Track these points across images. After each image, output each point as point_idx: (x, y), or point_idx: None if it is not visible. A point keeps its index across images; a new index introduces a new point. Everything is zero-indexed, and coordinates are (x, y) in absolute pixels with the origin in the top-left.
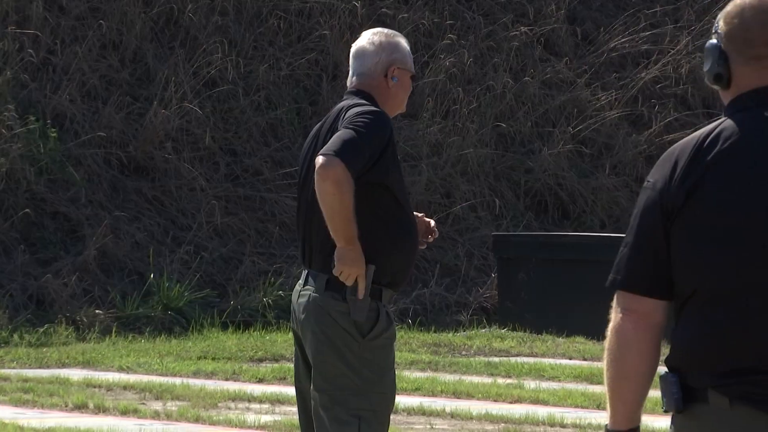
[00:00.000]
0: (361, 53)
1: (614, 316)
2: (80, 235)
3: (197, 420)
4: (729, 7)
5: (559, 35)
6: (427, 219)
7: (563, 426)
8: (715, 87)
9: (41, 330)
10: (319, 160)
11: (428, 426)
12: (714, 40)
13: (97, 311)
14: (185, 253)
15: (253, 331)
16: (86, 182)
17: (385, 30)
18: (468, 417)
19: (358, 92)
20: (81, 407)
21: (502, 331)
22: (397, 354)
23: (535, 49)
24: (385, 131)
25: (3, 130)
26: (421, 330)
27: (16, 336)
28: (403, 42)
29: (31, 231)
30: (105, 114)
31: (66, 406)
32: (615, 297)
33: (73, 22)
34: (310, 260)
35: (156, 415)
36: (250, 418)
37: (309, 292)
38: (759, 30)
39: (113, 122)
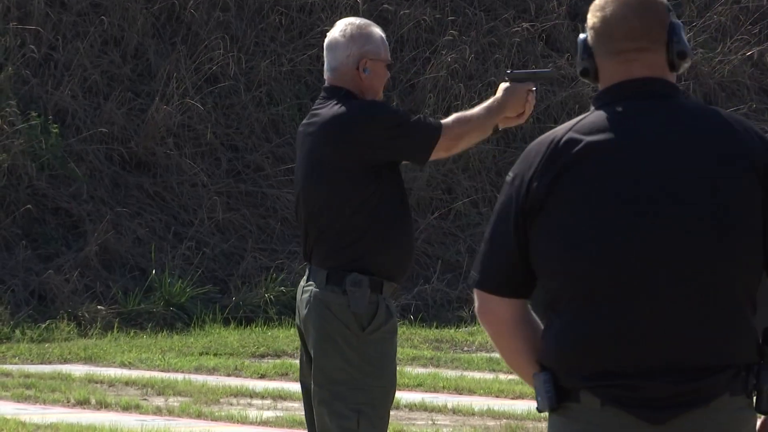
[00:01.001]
0: (334, 46)
1: (476, 310)
2: (82, 230)
3: (199, 416)
4: (596, 0)
5: (561, 31)
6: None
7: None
8: (585, 81)
9: (43, 326)
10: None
11: (430, 422)
12: (582, 34)
13: (98, 307)
14: (187, 248)
15: (255, 327)
16: (88, 178)
17: (358, 20)
18: (470, 413)
19: (334, 89)
20: (83, 403)
21: None
22: (399, 350)
23: (536, 45)
24: (384, 107)
25: (5, 126)
26: (422, 326)
27: (17, 332)
28: (377, 31)
29: (33, 227)
30: (106, 110)
31: (68, 402)
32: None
33: (75, 18)
34: (310, 255)
35: (158, 411)
36: (252, 413)
37: (311, 288)
38: (620, 23)
39: (115, 118)
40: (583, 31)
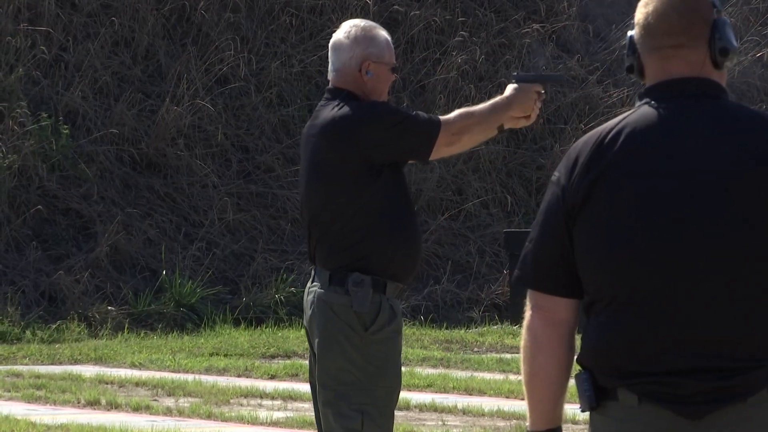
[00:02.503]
0: (338, 47)
1: (526, 313)
2: (92, 231)
3: (209, 416)
4: None
5: (571, 32)
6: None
7: (575, 423)
8: (632, 77)
9: (53, 326)
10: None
11: (440, 422)
12: (630, 31)
13: (109, 308)
14: (197, 249)
15: (265, 328)
16: (98, 179)
17: (363, 22)
18: (480, 414)
19: (337, 90)
20: (93, 404)
21: (514, 327)
22: (409, 350)
23: (547, 46)
24: (384, 107)
25: (15, 127)
26: (432, 327)
27: (28, 332)
28: (381, 34)
29: (44, 227)
30: (117, 111)
31: (78, 403)
32: (527, 294)
33: (85, 19)
34: (314, 256)
35: (168, 412)
36: (262, 414)
37: (315, 289)
38: (660, 19)
39: (125, 119)
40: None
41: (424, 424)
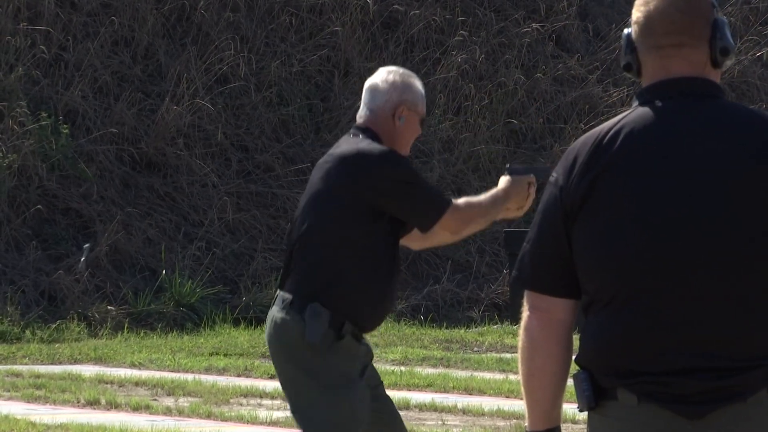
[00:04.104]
0: (374, 89)
1: (523, 314)
2: (92, 231)
3: (209, 416)
4: None
5: (571, 32)
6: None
7: (575, 422)
8: (629, 75)
9: (53, 326)
10: (436, 227)
11: (440, 422)
12: (627, 29)
13: (109, 307)
14: (197, 249)
15: (265, 328)
16: (98, 178)
17: (401, 70)
18: (480, 413)
19: (365, 129)
20: (93, 403)
21: (514, 327)
22: (410, 350)
23: (546, 45)
24: (405, 163)
25: (15, 127)
26: (432, 326)
27: (28, 332)
28: (418, 84)
29: (43, 227)
30: (117, 110)
31: (78, 402)
32: (524, 295)
33: (85, 19)
34: (285, 279)
35: (168, 411)
36: (262, 414)
37: (273, 313)
38: (661, 18)
39: (125, 118)
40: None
41: (424, 424)
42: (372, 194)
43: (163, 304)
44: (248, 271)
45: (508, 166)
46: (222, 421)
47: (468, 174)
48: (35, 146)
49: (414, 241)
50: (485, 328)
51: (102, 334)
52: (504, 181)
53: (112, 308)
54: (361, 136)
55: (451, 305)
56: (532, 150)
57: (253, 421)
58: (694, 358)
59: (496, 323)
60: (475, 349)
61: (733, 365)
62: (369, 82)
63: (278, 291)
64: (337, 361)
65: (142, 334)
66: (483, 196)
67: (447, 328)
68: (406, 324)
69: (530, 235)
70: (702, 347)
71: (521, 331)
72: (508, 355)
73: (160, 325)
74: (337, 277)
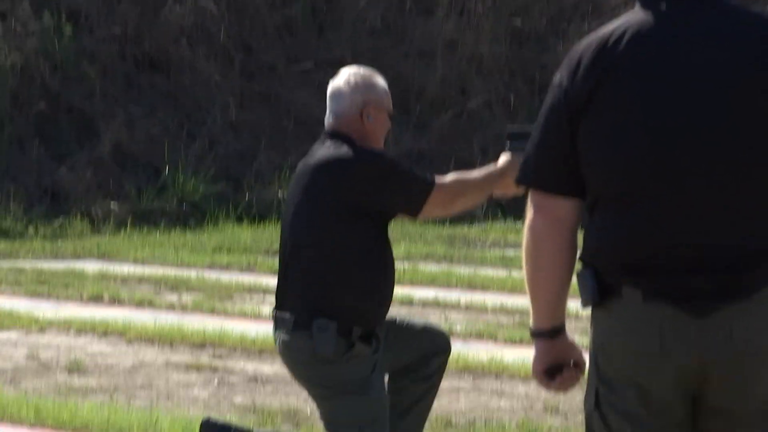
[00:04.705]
0: (337, 94)
1: (528, 213)
2: (95, 129)
3: (212, 312)
4: None
5: None
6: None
7: (578, 317)
8: None
9: (56, 223)
10: (428, 205)
11: (443, 318)
12: None
13: (112, 204)
14: (200, 147)
15: (268, 225)
16: (101, 77)
17: (361, 70)
18: (483, 309)
19: (335, 134)
20: (96, 299)
21: (518, 223)
22: (413, 247)
23: None
24: (381, 157)
25: (18, 26)
26: (435, 223)
27: (31, 229)
28: (379, 81)
29: (46, 126)
30: (120, 10)
31: (81, 298)
32: (529, 194)
33: None
34: (282, 295)
35: (171, 307)
36: (266, 309)
37: (279, 335)
38: None
39: (128, 18)
40: None
41: (427, 320)
42: (355, 197)
43: (167, 201)
44: (251, 169)
45: (508, 142)
46: (225, 316)
47: (471, 74)
48: (38, 46)
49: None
50: (489, 224)
51: (105, 231)
52: (503, 159)
53: (115, 205)
54: (330, 141)
55: None
56: (535, 50)
57: (257, 316)
58: (698, 255)
59: (500, 220)
60: (479, 245)
61: (737, 262)
62: (331, 88)
63: (276, 311)
64: (350, 370)
65: (145, 230)
66: (476, 172)
67: (450, 224)
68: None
69: (534, 135)
70: (707, 245)
71: (525, 231)
72: (512, 252)
73: (163, 221)
74: (335, 286)
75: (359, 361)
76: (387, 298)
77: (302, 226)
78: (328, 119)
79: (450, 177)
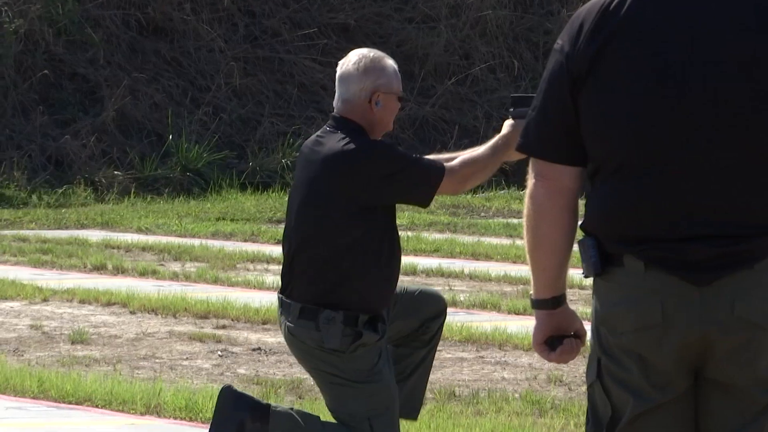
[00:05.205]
0: (346, 78)
1: (528, 182)
2: (99, 96)
3: (216, 281)
4: None
5: None
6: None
7: (582, 288)
8: None
9: (60, 191)
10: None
11: (447, 287)
12: None
13: (115, 172)
14: (204, 114)
15: (272, 193)
16: (105, 43)
17: (372, 53)
18: (487, 278)
19: (343, 120)
20: (99, 268)
21: (521, 192)
22: (416, 216)
23: None
24: (390, 149)
25: None
26: None
27: (34, 197)
28: (389, 63)
29: (50, 92)
30: None
31: (84, 267)
32: (530, 162)
33: None
34: (287, 285)
35: (174, 276)
36: (269, 279)
37: (284, 320)
38: None
39: None
40: None
41: None
42: (364, 192)
43: (170, 169)
44: (255, 136)
45: (511, 109)
46: (229, 286)
47: (475, 39)
48: (42, 11)
49: None
50: (492, 193)
51: (109, 199)
52: (506, 125)
53: (119, 173)
54: (340, 130)
55: None
56: (539, 15)
57: (260, 286)
58: (701, 225)
59: (503, 188)
60: (482, 214)
61: (740, 232)
62: (340, 71)
63: (282, 296)
64: (358, 360)
65: (148, 199)
66: (482, 149)
67: None
68: None
69: (536, 102)
70: (710, 215)
71: (526, 199)
72: (515, 221)
73: (166, 190)
74: (342, 278)
75: (366, 351)
76: (393, 284)
77: (310, 219)
78: (336, 102)
79: (458, 160)
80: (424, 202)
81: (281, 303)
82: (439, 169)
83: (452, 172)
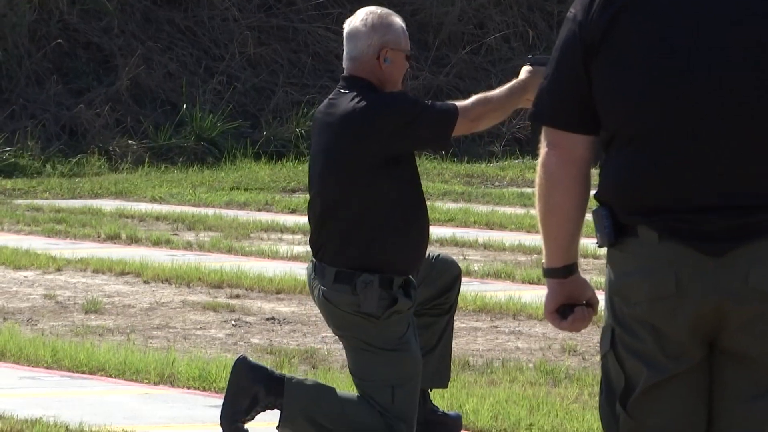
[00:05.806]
0: (354, 35)
1: (541, 151)
2: (113, 65)
3: (229, 251)
4: None
5: None
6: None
7: (596, 258)
8: None
9: (74, 160)
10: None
11: (461, 257)
12: None
13: (129, 141)
14: (218, 83)
15: (286, 162)
16: (119, 12)
17: (379, 9)
18: (501, 248)
19: (353, 78)
20: (113, 238)
21: (535, 161)
22: (431, 185)
23: None
24: (402, 99)
25: None
26: (453, 161)
27: (48, 166)
28: (397, 21)
29: (64, 61)
30: None
31: (98, 237)
32: (542, 131)
33: None
34: (322, 252)
35: (188, 246)
36: (283, 248)
37: (318, 285)
38: None
39: None
40: None
41: None
42: (384, 146)
43: (184, 138)
44: (269, 105)
45: (530, 56)
46: (242, 255)
47: (489, 8)
48: None
49: None
50: (506, 162)
51: (122, 169)
52: (524, 71)
53: (133, 142)
54: (351, 90)
55: (472, 140)
56: None
57: (274, 255)
58: (715, 196)
59: (518, 158)
60: (496, 183)
61: (755, 203)
62: (348, 29)
63: (314, 259)
64: (390, 328)
65: (162, 168)
66: (499, 90)
67: (468, 162)
68: (427, 158)
69: (548, 71)
70: (723, 186)
71: (539, 168)
72: (529, 190)
73: (180, 159)
74: (374, 238)
75: (399, 318)
76: (425, 240)
77: (335, 182)
78: (345, 61)
79: (472, 99)
80: (442, 144)
81: (314, 268)
82: (452, 109)
83: (465, 111)
